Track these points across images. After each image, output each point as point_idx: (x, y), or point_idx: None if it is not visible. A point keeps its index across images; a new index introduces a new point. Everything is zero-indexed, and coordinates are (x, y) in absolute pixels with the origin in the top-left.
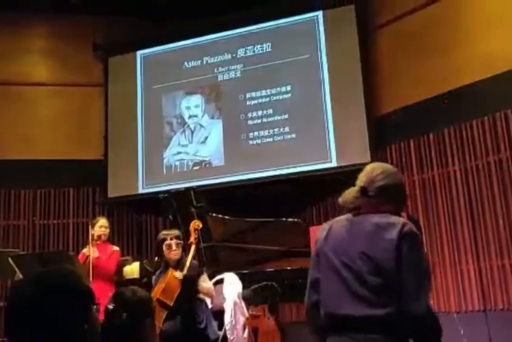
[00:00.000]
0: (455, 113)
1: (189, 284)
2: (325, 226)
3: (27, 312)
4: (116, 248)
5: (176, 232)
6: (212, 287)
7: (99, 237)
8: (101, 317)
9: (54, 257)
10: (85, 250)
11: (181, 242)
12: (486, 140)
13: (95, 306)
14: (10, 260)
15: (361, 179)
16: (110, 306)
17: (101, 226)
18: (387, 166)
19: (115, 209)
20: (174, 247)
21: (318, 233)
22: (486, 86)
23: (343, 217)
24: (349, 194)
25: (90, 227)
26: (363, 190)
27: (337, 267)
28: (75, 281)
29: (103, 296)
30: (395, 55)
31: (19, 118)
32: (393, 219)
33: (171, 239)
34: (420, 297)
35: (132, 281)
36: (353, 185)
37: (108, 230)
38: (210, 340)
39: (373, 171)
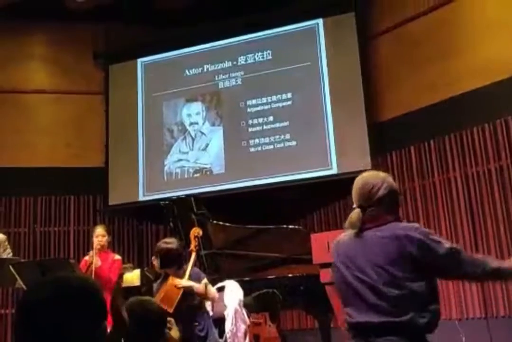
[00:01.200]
0: (456, 120)
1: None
2: (334, 241)
3: (41, 315)
4: (118, 257)
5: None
6: (215, 291)
7: (98, 246)
8: None
9: (55, 265)
10: (86, 257)
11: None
12: (487, 147)
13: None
14: (11, 267)
15: (356, 198)
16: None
17: (97, 235)
18: (374, 176)
19: (116, 216)
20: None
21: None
22: (487, 93)
23: (349, 233)
24: (355, 218)
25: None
26: (363, 209)
27: (349, 280)
28: (97, 292)
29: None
30: (395, 62)
31: (20, 125)
32: (399, 229)
33: None
34: (469, 265)
35: (133, 289)
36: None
37: (105, 238)
38: None
39: (364, 186)
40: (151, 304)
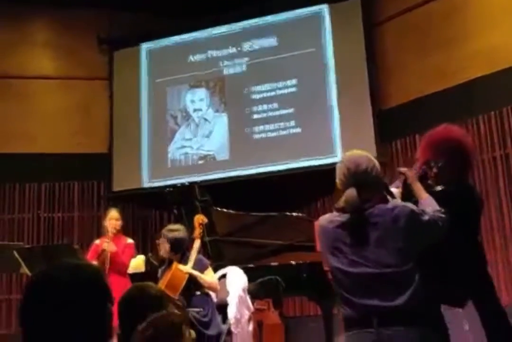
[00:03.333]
0: (462, 108)
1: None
2: (320, 227)
3: (40, 305)
4: (130, 240)
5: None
6: (217, 281)
7: (113, 230)
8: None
9: (59, 250)
10: (97, 241)
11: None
12: (492, 135)
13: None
14: (15, 253)
15: (349, 178)
16: None
17: (111, 218)
18: (363, 156)
19: (120, 202)
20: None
21: (320, 231)
22: (493, 80)
23: (333, 217)
24: (352, 197)
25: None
26: (359, 190)
27: (346, 267)
28: (99, 276)
29: (119, 290)
30: (401, 49)
31: (24, 112)
32: (387, 208)
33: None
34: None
35: (137, 275)
36: None
37: (119, 222)
38: (212, 335)
39: (358, 167)
40: (148, 289)
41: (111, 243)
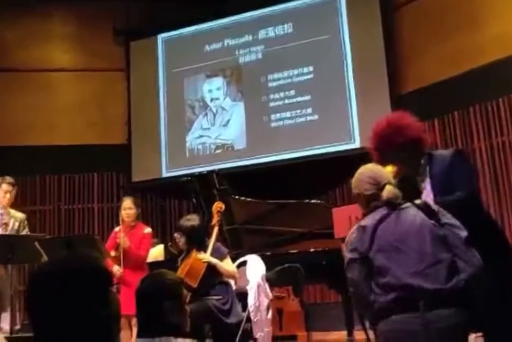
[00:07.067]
0: (481, 91)
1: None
2: (364, 228)
3: (44, 294)
4: (147, 230)
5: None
6: (235, 269)
7: (126, 219)
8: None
9: (80, 241)
10: (117, 229)
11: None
12: None
13: (114, 286)
14: (36, 244)
15: (382, 179)
16: None
17: (124, 208)
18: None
19: (139, 193)
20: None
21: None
22: (510, 64)
23: (382, 211)
24: (395, 190)
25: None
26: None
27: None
28: (91, 261)
29: (135, 281)
30: (418, 33)
31: (42, 104)
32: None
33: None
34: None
35: (157, 264)
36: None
37: (133, 211)
38: (232, 323)
39: (374, 174)
40: (164, 276)
41: (125, 237)
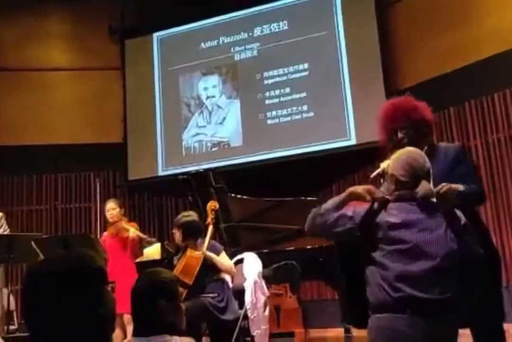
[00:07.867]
0: (476, 87)
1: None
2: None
3: (39, 294)
4: (132, 234)
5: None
6: (232, 263)
7: (110, 220)
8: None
9: (76, 240)
10: (105, 233)
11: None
12: (508, 113)
13: (110, 285)
14: (33, 243)
15: (420, 172)
16: None
17: (108, 210)
18: (420, 153)
19: (136, 191)
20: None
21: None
22: (507, 58)
23: (411, 207)
24: (431, 188)
25: None
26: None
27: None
28: (86, 261)
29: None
30: (413, 29)
31: (38, 103)
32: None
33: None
34: None
35: (154, 263)
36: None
37: (116, 210)
38: (228, 320)
39: (415, 161)
40: (159, 274)
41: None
